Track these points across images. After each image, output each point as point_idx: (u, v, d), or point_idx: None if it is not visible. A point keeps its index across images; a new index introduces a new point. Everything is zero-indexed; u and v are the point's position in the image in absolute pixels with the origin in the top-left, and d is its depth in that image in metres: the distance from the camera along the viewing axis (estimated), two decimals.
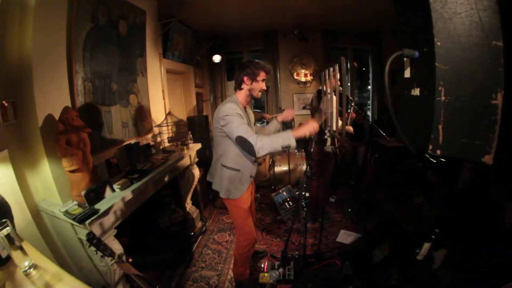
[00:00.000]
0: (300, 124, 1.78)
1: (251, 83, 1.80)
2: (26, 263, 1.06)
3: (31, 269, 1.07)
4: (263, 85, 1.83)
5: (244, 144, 1.61)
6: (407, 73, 0.90)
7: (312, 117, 2.91)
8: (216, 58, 4.43)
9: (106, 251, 1.26)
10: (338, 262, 1.91)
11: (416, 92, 0.86)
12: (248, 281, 2.15)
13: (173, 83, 4.15)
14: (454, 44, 0.72)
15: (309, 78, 4.90)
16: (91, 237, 1.26)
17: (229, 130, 1.67)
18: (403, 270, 2.11)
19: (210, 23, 4.03)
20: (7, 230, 0.99)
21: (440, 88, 0.73)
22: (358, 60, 5.21)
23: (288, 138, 1.56)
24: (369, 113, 5.21)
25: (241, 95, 1.85)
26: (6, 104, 1.44)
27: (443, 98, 0.74)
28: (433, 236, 1.10)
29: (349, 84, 4.75)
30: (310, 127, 1.63)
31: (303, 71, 4.89)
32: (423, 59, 0.81)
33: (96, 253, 1.26)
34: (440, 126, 0.75)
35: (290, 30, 4.68)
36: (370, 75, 5.13)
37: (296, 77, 4.92)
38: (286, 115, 2.13)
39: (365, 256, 2.09)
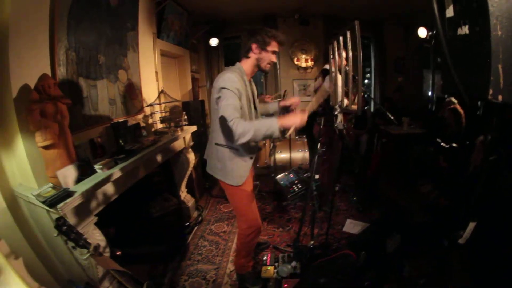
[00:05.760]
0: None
1: (260, 52, 1.59)
2: None
3: None
4: (273, 57, 1.63)
5: (225, 127, 1.46)
6: (449, 12, 0.79)
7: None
8: (213, 42, 4.30)
9: (78, 241, 1.05)
10: (352, 253, 1.72)
11: (464, 30, 0.74)
12: (250, 275, 1.95)
13: (168, 67, 3.94)
14: None
15: (309, 63, 4.70)
16: (60, 223, 1.04)
17: (219, 105, 1.48)
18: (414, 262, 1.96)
19: (206, 4, 3.81)
20: None
21: (495, 22, 0.63)
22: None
23: (272, 127, 1.42)
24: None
25: (247, 64, 1.63)
26: None
27: (499, 32, 0.63)
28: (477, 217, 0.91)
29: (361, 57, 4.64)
30: (298, 119, 1.45)
31: (303, 56, 4.68)
32: None
33: (66, 243, 1.04)
34: (499, 66, 0.64)
35: (291, 14, 4.49)
36: (372, 63, 4.96)
37: (296, 63, 4.71)
38: (291, 102, 1.89)
39: (378, 246, 1.92)
